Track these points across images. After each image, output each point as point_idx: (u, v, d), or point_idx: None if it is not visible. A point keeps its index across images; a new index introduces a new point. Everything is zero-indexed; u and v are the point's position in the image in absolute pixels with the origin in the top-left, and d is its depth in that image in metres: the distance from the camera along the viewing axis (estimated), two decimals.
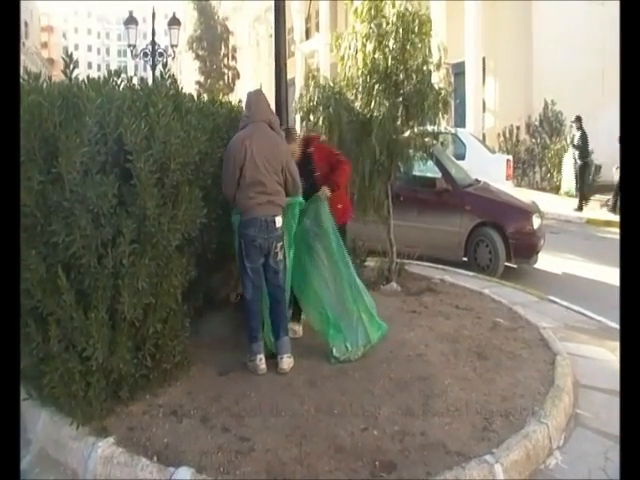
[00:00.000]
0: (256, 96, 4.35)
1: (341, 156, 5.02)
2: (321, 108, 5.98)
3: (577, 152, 13.22)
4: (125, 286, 3.40)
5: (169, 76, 4.11)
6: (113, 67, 4.30)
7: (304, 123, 6.22)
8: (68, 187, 3.32)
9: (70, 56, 3.61)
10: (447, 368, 4.23)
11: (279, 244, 4.23)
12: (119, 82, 3.86)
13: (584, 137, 13.06)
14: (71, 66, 3.60)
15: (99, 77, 3.83)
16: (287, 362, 4.16)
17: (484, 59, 17.80)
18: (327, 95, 6.01)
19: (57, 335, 3.34)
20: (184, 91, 4.30)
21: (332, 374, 4.11)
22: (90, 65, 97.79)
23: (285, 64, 5.19)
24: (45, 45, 61.70)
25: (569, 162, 13.99)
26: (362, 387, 3.92)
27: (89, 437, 3.31)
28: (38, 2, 47.84)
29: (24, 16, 35.44)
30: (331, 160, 4.88)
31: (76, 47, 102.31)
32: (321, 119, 5.96)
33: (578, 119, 13.32)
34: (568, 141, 14.79)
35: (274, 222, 4.15)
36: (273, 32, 5.23)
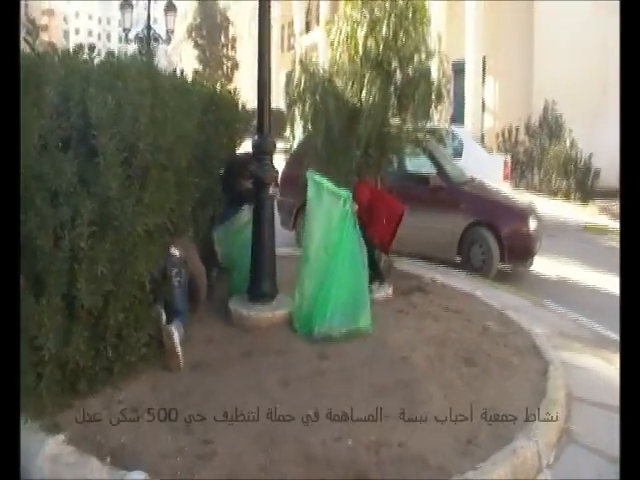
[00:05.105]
0: None
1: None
2: (308, 95, 5.71)
3: None
4: (82, 271, 3.14)
5: (147, 53, 3.89)
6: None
7: (292, 110, 5.97)
8: (23, 161, 3.03)
9: (32, 22, 3.35)
10: (432, 373, 3.97)
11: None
12: (93, 56, 3.61)
13: None
14: (34, 34, 3.34)
15: (69, 49, 3.61)
16: None
17: (484, 58, 17.57)
18: (315, 82, 5.75)
19: None
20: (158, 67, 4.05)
21: (308, 375, 3.84)
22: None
23: (269, 54, 4.86)
24: (45, 28, 61.08)
25: None
26: (339, 391, 3.65)
27: (39, 433, 3.07)
28: None
29: None
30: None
31: (77, 31, 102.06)
32: (307, 106, 5.70)
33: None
34: (568, 144, 14.62)
35: None
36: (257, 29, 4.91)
